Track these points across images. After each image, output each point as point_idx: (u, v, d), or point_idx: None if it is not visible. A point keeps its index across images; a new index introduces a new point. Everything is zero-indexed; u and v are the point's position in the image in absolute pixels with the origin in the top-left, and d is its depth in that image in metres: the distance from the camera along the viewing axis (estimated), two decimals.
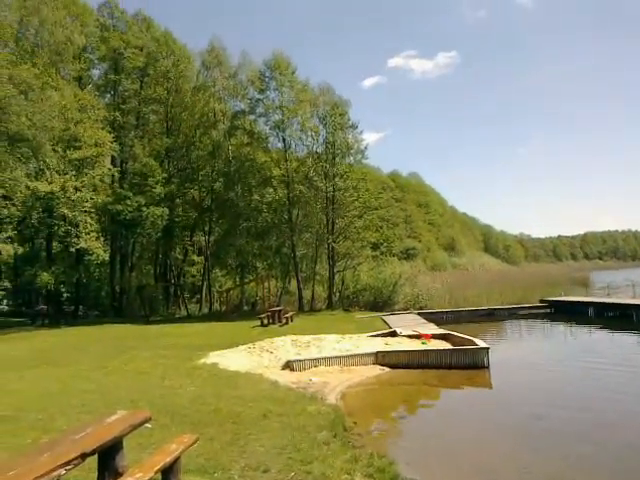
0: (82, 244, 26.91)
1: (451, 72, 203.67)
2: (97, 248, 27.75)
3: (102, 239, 29.27)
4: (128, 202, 29.48)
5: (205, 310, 34.54)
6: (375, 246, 41.52)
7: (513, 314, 26.32)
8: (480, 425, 8.60)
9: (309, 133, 31.61)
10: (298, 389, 10.08)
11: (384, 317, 23.55)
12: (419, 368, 12.72)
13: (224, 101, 35.35)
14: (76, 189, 26.94)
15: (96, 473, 3.81)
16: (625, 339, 18.04)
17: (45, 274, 26.72)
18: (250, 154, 32.17)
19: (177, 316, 33.06)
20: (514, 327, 23.06)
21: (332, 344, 14.93)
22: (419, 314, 24.43)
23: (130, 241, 35.55)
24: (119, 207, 29.23)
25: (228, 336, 17.96)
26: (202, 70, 36.22)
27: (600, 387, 10.86)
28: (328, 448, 6.13)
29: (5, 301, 37.71)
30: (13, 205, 26.58)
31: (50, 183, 25.85)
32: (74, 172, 27.45)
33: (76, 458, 3.19)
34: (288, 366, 12.68)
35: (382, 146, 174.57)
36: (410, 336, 16.26)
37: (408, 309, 27.25)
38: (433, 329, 17.70)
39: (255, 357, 13.52)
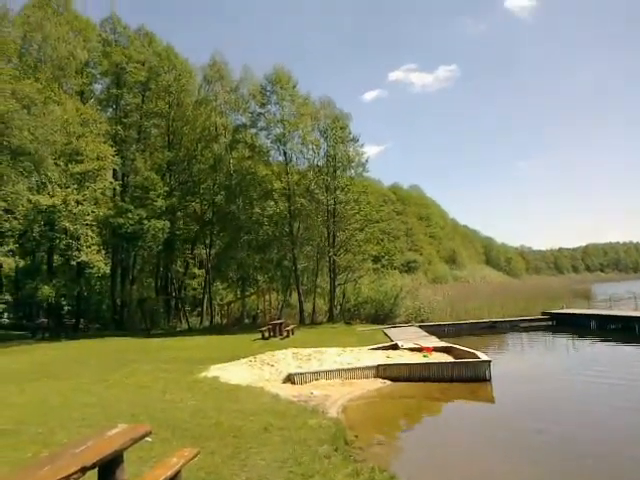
0: (83, 257, 26.91)
1: (451, 86, 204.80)
2: (98, 261, 27.74)
3: (103, 252, 29.28)
4: (129, 215, 29.56)
5: (206, 323, 34.46)
6: (376, 259, 41.60)
7: (515, 327, 26.24)
8: (482, 439, 8.56)
9: (310, 146, 31.78)
10: (299, 402, 10.04)
11: (385, 330, 23.50)
12: (420, 381, 12.67)
13: (225, 115, 35.57)
14: (78, 202, 27.02)
15: None
16: (628, 352, 17.97)
17: (46, 287, 26.70)
18: (251, 167, 32.31)
19: (178, 329, 32.99)
20: (516, 340, 22.98)
21: (333, 357, 14.88)
22: (420, 327, 24.37)
23: (131, 254, 35.57)
24: (120, 220, 29.30)
25: (229, 349, 17.92)
26: (204, 84, 36.52)
27: (602, 400, 10.80)
28: (329, 462, 6.10)
29: (6, 314, 37.62)
30: (15, 218, 26.64)
31: (52, 196, 25.93)
32: (76, 185, 27.53)
33: (76, 472, 3.19)
34: (289, 379, 12.64)
35: (383, 159, 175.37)
36: (411, 349, 16.22)
37: (409, 322, 27.19)
38: (434, 342, 17.66)
39: (256, 370, 13.48)
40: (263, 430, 7.35)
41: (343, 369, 13.30)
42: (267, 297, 30.95)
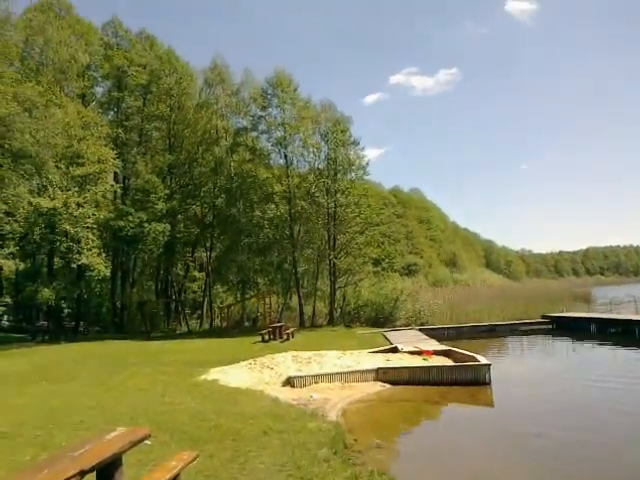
0: (84, 260, 26.94)
1: (452, 89, 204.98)
2: (98, 264, 27.76)
3: (104, 255, 29.30)
4: (130, 218, 29.60)
5: (206, 326, 34.47)
6: (377, 262, 41.53)
7: (515, 330, 26.22)
8: (481, 443, 8.55)
9: (311, 150, 31.83)
10: (299, 406, 10.04)
11: (385, 333, 23.49)
12: (420, 384, 12.65)
13: (226, 118, 35.64)
14: (78, 205, 27.06)
15: None
16: (628, 355, 17.93)
17: (46, 290, 26.72)
18: (252, 170, 32.33)
19: (178, 332, 32.98)
20: (516, 343, 22.96)
21: (333, 360, 14.87)
22: (420, 330, 24.37)
23: (132, 257, 35.60)
24: (121, 223, 29.34)
25: (229, 352, 17.91)
26: (205, 87, 36.62)
27: (602, 404, 10.79)
28: (328, 465, 6.10)
29: (6, 317, 37.61)
30: (15, 221, 26.66)
31: (53, 199, 25.98)
32: (77, 188, 27.59)
33: (75, 475, 3.19)
34: (289, 382, 12.63)
35: (383, 162, 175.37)
36: (411, 352, 16.21)
37: (409, 325, 27.18)
38: (434, 345, 17.64)
39: (256, 373, 13.47)
40: (262, 433, 7.35)
41: (343, 372, 13.29)
42: (267, 300, 30.95)
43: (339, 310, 31.37)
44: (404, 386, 12.60)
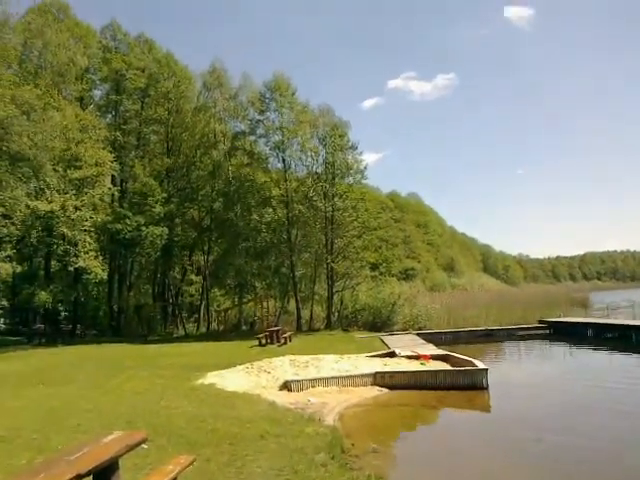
0: (81, 263, 26.89)
1: (450, 94, 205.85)
2: (96, 267, 27.71)
3: (101, 258, 29.24)
4: (127, 221, 29.57)
5: (203, 330, 34.38)
6: (374, 266, 41.59)
7: (512, 335, 26.21)
8: (479, 447, 8.54)
9: (309, 154, 31.81)
10: (296, 410, 10.01)
11: (383, 337, 23.47)
12: (417, 389, 12.64)
13: (224, 122, 35.63)
14: (76, 208, 27.02)
15: None
16: (624, 360, 17.96)
17: (43, 293, 26.65)
18: (250, 174, 32.32)
19: (175, 336, 32.89)
20: (513, 348, 22.97)
21: (330, 364, 14.85)
22: (418, 334, 24.34)
23: (129, 260, 35.55)
24: (118, 226, 29.31)
25: (226, 356, 17.86)
26: (203, 91, 36.61)
27: (600, 409, 10.81)
28: (325, 470, 6.09)
29: (2, 320, 37.53)
30: (13, 224, 26.61)
31: (50, 202, 25.93)
32: (74, 191, 27.56)
33: (71, 479, 3.18)
34: (286, 386, 12.61)
35: (381, 166, 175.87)
36: (409, 357, 16.19)
37: (407, 329, 27.15)
38: (432, 350, 17.64)
39: (253, 377, 13.45)
40: (259, 437, 7.33)
41: (340, 376, 13.27)
42: (265, 304, 30.92)
43: (336, 314, 31.33)
44: (401, 390, 12.59)
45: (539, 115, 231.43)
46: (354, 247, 30.98)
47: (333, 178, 30.97)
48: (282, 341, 22.25)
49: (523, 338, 25.44)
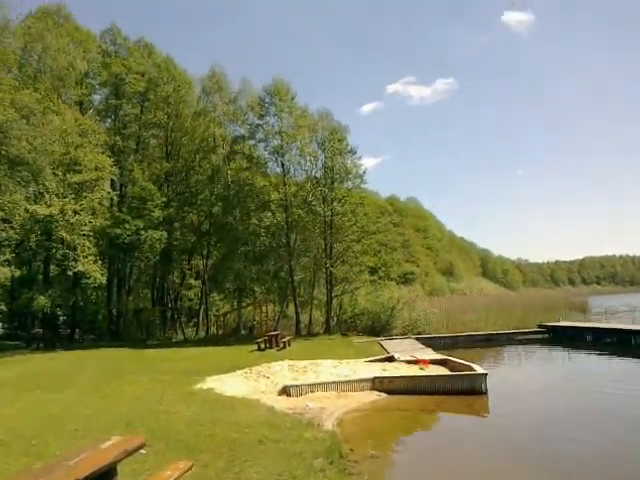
0: (80, 267, 26.85)
1: (449, 98, 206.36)
2: (94, 271, 27.67)
3: (100, 262, 29.19)
4: (127, 226, 29.54)
5: (202, 334, 34.31)
6: (373, 270, 41.58)
7: (511, 339, 26.19)
8: (477, 453, 8.53)
9: (308, 158, 31.84)
10: (295, 415, 10.00)
11: (382, 342, 23.44)
12: (416, 394, 12.62)
13: (224, 126, 35.67)
14: (75, 212, 27.01)
15: None
16: (623, 365, 17.97)
17: (42, 297, 26.61)
18: (249, 178, 32.33)
19: (174, 340, 32.81)
20: (512, 352, 22.95)
21: (329, 369, 14.83)
22: (417, 339, 24.32)
23: (128, 264, 35.50)
24: (117, 230, 29.28)
25: (225, 361, 17.84)
26: (202, 95, 36.66)
27: (599, 414, 10.80)
28: (324, 475, 6.08)
29: (0, 324, 37.44)
30: (12, 228, 26.56)
31: (49, 206, 25.92)
32: (73, 195, 27.55)
33: None
34: (285, 391, 12.59)
35: (380, 171, 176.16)
36: (408, 361, 16.17)
37: (406, 334, 27.11)
38: (431, 354, 17.63)
39: (252, 382, 13.42)
40: (258, 442, 7.32)
41: (339, 381, 13.25)
42: (263, 308, 30.90)
43: (335, 319, 31.30)
44: (400, 395, 12.57)
45: (539, 116, 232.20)
46: (353, 251, 30.98)
47: (332, 182, 31.01)
48: (281, 345, 22.24)
49: (522, 342, 25.41)
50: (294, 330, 30.21)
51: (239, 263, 31.98)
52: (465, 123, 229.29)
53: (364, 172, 32.48)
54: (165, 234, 31.39)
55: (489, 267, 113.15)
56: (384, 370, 14.81)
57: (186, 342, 30.55)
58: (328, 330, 30.04)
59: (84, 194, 28.26)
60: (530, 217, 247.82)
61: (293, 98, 32.58)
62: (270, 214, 32.14)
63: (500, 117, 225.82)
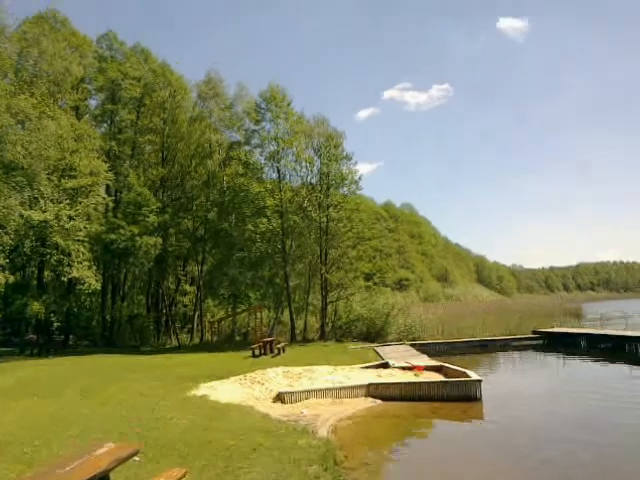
0: (74, 273, 26.72)
1: (444, 104, 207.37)
2: (89, 277, 27.54)
3: (94, 268, 29.08)
4: (121, 231, 29.40)
5: (196, 340, 34.19)
6: (368, 276, 41.59)
7: (506, 345, 26.25)
8: (472, 458, 8.53)
9: (304, 164, 31.87)
10: (289, 422, 9.97)
11: (377, 348, 23.44)
12: (411, 400, 12.64)
13: (220, 132, 35.72)
14: (70, 218, 26.91)
15: None
16: (618, 371, 18.03)
17: (35, 303, 26.45)
18: (244, 184, 32.26)
19: (168, 346, 32.68)
20: (507, 359, 23.00)
21: (324, 376, 14.82)
22: (412, 345, 24.35)
23: (122, 270, 35.35)
24: (112, 236, 29.15)
25: (219, 367, 17.79)
26: (198, 101, 36.73)
27: (595, 419, 10.82)
28: None
29: None
30: (6, 233, 26.41)
31: (44, 212, 25.82)
32: (68, 201, 27.44)
33: None
34: (279, 398, 12.56)
35: (376, 177, 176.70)
36: (403, 368, 16.19)
37: (401, 340, 27.14)
38: (426, 361, 17.63)
39: (246, 389, 13.39)
40: (252, 450, 7.30)
41: (334, 388, 13.24)
42: (258, 314, 30.81)
43: (330, 325, 31.28)
44: (395, 402, 12.57)
45: (536, 121, 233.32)
46: (348, 257, 31.02)
47: (328, 188, 31.07)
48: (276, 352, 22.19)
49: (517, 349, 25.48)
50: (289, 336, 30.18)
51: (234, 269, 31.93)
52: (461, 129, 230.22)
53: (359, 178, 32.55)
54: (160, 240, 31.26)
55: (484, 273, 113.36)
56: (379, 377, 14.82)
57: (180, 348, 30.42)
58: (323, 336, 30.01)
59: (79, 199, 28.16)
60: (525, 223, 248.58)
61: (289, 104, 32.63)
62: (265, 220, 32.07)
63: (498, 120, 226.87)
